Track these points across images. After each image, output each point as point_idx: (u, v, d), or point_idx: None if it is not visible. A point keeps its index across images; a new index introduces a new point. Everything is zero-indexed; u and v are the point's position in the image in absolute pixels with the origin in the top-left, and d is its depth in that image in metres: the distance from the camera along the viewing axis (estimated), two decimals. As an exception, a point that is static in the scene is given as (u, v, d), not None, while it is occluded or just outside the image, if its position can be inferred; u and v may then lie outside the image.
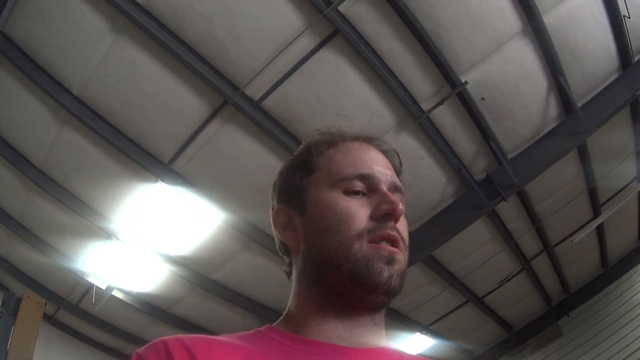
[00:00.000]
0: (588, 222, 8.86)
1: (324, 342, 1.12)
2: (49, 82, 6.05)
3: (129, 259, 7.96)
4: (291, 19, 5.64)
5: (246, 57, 5.85)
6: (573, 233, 8.81)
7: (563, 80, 6.42)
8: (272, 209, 1.35)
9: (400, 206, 1.18)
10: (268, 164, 6.63)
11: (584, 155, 7.70)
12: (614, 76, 6.83)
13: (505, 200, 7.15)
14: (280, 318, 1.24)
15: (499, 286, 9.40)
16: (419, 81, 6.27)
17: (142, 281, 8.46)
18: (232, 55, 5.83)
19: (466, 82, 6.21)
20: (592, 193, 8.60)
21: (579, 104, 6.80)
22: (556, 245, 9.25)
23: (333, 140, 1.32)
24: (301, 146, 1.36)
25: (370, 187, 1.22)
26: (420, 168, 7.05)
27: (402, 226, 1.22)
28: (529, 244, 8.98)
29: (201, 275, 8.31)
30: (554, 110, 6.88)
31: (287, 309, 1.25)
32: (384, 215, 1.17)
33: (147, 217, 7.31)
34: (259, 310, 8.98)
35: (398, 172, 1.35)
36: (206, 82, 5.92)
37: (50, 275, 8.86)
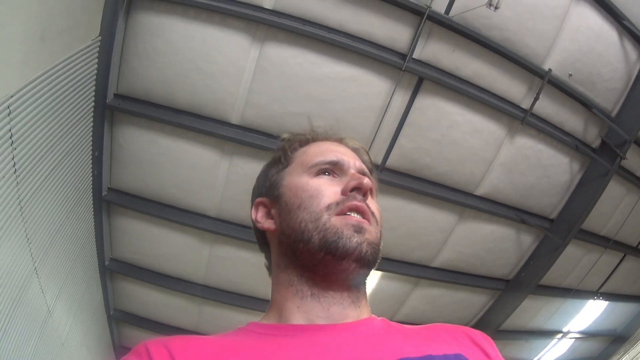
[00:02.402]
0: None
1: (300, 324, 1.03)
2: (184, 215, 6.01)
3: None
4: (379, 87, 5.34)
5: (354, 133, 5.44)
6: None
7: (628, 23, 5.79)
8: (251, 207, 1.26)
9: (367, 180, 1.11)
10: (414, 213, 6.21)
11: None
12: (670, -4, 6.12)
13: (624, 158, 6.50)
14: (265, 314, 1.15)
15: (649, 229, 8.49)
16: (511, 86, 5.79)
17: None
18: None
19: (550, 70, 5.68)
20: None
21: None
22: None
23: (305, 140, 1.27)
24: (277, 147, 1.30)
25: (340, 172, 1.16)
26: (543, 160, 6.47)
27: (374, 206, 1.14)
28: (661, 180, 8.04)
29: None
30: (633, 54, 6.15)
31: (270, 302, 1.16)
32: (352, 189, 1.10)
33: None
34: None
35: (369, 169, 1.26)
36: (328, 168, 5.58)
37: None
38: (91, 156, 5.07)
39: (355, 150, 1.27)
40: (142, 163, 5.53)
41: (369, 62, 5.14)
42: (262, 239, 1.24)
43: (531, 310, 8.45)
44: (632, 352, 10.15)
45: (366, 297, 1.13)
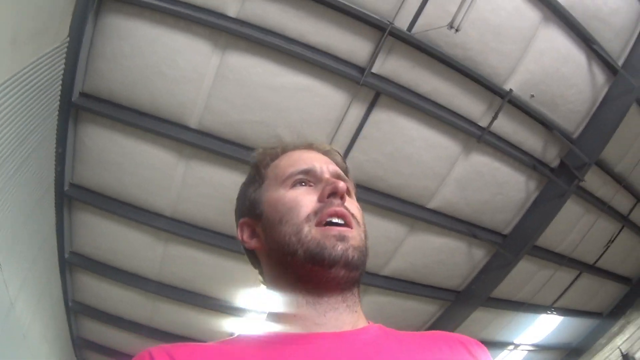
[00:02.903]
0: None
1: (298, 332, 1.08)
2: (141, 213, 6.30)
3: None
4: (335, 99, 5.61)
5: (309, 143, 5.77)
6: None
7: (598, 47, 6.04)
8: (236, 228, 1.32)
9: (342, 183, 1.16)
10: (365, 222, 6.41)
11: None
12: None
13: (582, 181, 6.80)
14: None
15: (606, 249, 8.87)
16: (470, 105, 6.07)
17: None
18: (297, 146, 5.77)
19: (511, 90, 5.97)
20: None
21: (621, 61, 6.37)
22: (648, 194, 8.63)
23: (275, 153, 1.33)
24: (250, 165, 1.37)
25: (314, 179, 1.22)
26: (499, 177, 6.79)
27: (353, 206, 1.21)
28: (623, 201, 8.39)
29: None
30: (600, 77, 6.43)
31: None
32: (328, 195, 1.15)
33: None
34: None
35: (344, 170, 1.33)
36: (285, 176, 5.86)
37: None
38: (55, 153, 5.28)
39: (326, 152, 1.33)
40: (104, 161, 5.79)
41: (327, 74, 5.40)
42: (252, 257, 1.29)
43: (482, 321, 8.82)
44: (588, 367, 10.66)
45: (360, 303, 1.19)
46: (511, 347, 10.00)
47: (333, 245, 1.08)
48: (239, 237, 1.28)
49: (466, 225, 7.16)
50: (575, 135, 6.83)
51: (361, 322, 1.16)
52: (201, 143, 5.62)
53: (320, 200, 1.15)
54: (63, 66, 4.66)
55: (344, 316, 1.12)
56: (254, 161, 1.35)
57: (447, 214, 6.97)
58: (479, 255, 7.66)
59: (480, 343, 1.20)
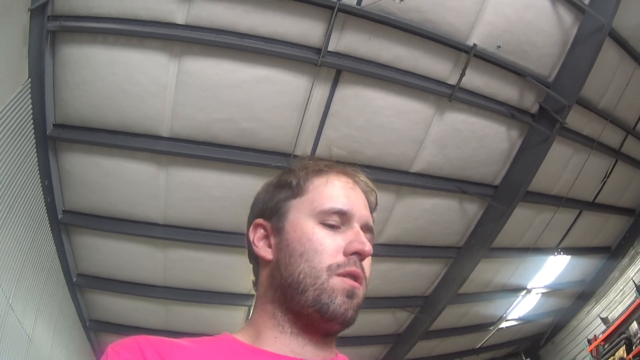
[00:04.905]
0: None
1: (278, 353, 1.10)
2: (134, 226, 6.46)
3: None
4: (297, 84, 5.58)
5: (279, 130, 5.84)
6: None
7: (560, -12, 5.78)
8: (248, 219, 1.29)
9: (368, 247, 1.16)
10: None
11: (616, 36, 6.82)
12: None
13: (564, 124, 6.60)
14: (241, 328, 1.21)
15: (603, 185, 8.74)
16: (435, 66, 5.95)
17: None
18: (267, 135, 5.82)
19: (475, 45, 5.81)
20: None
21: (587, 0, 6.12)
22: (636, 125, 8.47)
23: (321, 171, 1.27)
24: (290, 168, 1.32)
25: (345, 222, 1.19)
26: (477, 132, 6.68)
27: (367, 263, 1.20)
28: (612, 136, 8.23)
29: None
30: (568, 18, 6.21)
31: (249, 318, 1.23)
32: (353, 252, 1.15)
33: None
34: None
35: (372, 210, 1.31)
36: (260, 165, 5.93)
37: None
38: (41, 186, 5.46)
39: (365, 192, 1.30)
40: (89, 184, 5.94)
41: (284, 61, 5.37)
42: (254, 260, 1.27)
43: (489, 272, 8.81)
44: (604, 302, 10.52)
45: (335, 340, 1.22)
46: (524, 291, 9.97)
47: (340, 303, 1.11)
48: (250, 235, 1.25)
49: (453, 182, 7.09)
50: (550, 79, 6.66)
51: (332, 355, 1.20)
52: (176, 150, 5.72)
53: (345, 253, 1.15)
54: (30, 105, 4.77)
55: (319, 351, 1.15)
56: (297, 167, 1.30)
57: (432, 174, 6.91)
58: (472, 210, 7.60)
59: None
